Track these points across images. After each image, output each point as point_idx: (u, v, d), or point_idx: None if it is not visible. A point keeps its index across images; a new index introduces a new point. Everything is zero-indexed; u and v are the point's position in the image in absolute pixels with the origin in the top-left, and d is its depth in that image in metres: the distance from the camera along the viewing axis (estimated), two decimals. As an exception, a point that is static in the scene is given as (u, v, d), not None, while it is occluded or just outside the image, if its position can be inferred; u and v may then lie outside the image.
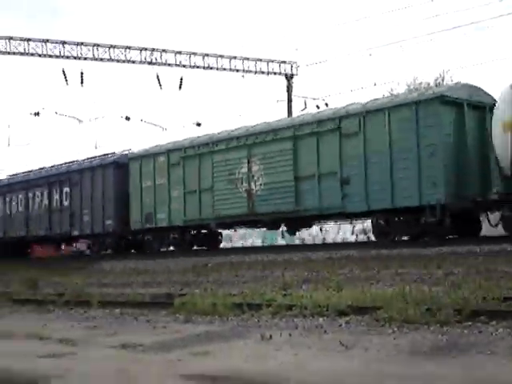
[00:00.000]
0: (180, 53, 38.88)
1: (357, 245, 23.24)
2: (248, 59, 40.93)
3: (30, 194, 33.09)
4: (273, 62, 41.75)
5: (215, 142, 25.80)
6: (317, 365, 6.50)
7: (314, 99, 41.67)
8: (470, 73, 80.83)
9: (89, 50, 36.68)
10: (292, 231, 25.43)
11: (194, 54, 39.39)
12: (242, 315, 10.29)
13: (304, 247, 24.33)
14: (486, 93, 20.94)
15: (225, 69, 40.33)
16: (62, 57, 36.18)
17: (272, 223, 24.71)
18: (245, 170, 24.30)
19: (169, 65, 38.57)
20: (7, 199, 33.96)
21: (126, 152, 30.39)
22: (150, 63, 38.13)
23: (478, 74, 69.46)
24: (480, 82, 28.87)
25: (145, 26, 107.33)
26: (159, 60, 38.32)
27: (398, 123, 20.52)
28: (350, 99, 46.37)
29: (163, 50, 38.44)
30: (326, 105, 40.08)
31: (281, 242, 32.34)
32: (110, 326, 10.52)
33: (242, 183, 24.40)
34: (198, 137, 27.57)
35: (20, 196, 33.65)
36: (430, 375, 5.77)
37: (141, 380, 6.26)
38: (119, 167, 29.57)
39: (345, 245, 24.83)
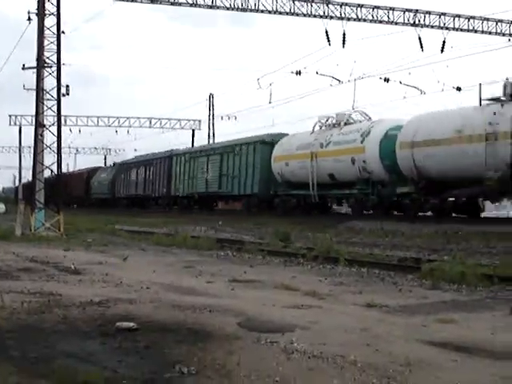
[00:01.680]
0: (444, 14, 37.89)
1: None
2: (515, 23, 39.05)
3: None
4: (543, 25, 39.53)
5: (197, 151, 48.34)
6: None
7: None
8: None
9: (352, 11, 36.74)
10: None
11: (459, 16, 38.21)
12: (491, 286, 10.00)
13: None
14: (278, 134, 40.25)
15: (490, 32, 38.78)
16: (326, 17, 36.55)
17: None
18: (205, 167, 44.48)
19: (432, 27, 37.74)
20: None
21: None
22: (413, 25, 37.50)
23: None
24: None
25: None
26: (422, 22, 37.61)
27: (247, 151, 40.07)
28: None
29: (427, 12, 37.64)
30: None
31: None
32: (356, 284, 10.65)
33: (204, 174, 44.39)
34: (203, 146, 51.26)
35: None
36: None
37: (384, 341, 6.28)
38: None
39: None
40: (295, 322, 7.06)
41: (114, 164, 67.16)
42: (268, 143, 38.58)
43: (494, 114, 24.97)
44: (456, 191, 26.24)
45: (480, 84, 27.19)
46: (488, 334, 6.67)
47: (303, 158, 34.40)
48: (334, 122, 34.64)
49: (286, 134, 39.10)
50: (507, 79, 25.78)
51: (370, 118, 33.99)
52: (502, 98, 25.69)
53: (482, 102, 26.34)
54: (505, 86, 25.88)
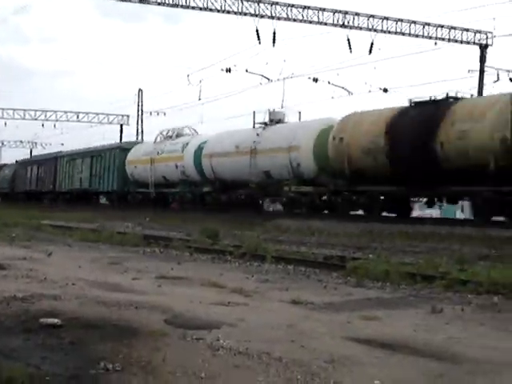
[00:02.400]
0: (373, 17, 38.43)
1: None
2: (442, 27, 39.86)
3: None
4: (467, 30, 40.43)
5: (74, 154, 54.54)
6: (487, 342, 6.35)
7: (508, 71, 40.03)
8: None
9: (283, 10, 36.99)
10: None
11: (387, 18, 38.81)
12: (414, 285, 10.20)
13: (486, 223, 23.50)
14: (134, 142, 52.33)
15: (417, 35, 39.48)
16: (257, 15, 36.69)
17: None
18: (80, 168, 51.76)
19: (360, 28, 38.23)
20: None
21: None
22: (342, 26, 37.94)
23: None
24: None
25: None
26: (351, 23, 38.06)
27: (110, 155, 48.00)
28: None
29: (356, 14, 38.13)
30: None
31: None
32: (282, 281, 10.73)
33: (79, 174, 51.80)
34: (80, 149, 54.94)
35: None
36: None
37: (309, 337, 6.35)
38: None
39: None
40: (222, 318, 7.08)
41: (16, 161, 69.10)
42: (125, 149, 47.64)
43: (257, 135, 34.10)
44: (240, 190, 35.26)
45: (254, 111, 36.07)
46: (411, 332, 6.80)
47: (146, 163, 43.53)
48: (170, 134, 43.91)
49: (140, 142, 51.02)
50: (271, 109, 35.26)
51: (195, 132, 43.39)
52: (266, 122, 34.89)
53: (256, 125, 35.35)
54: (269, 113, 35.20)
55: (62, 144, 70.70)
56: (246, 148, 33.78)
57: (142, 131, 63.71)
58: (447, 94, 25.80)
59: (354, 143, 27.10)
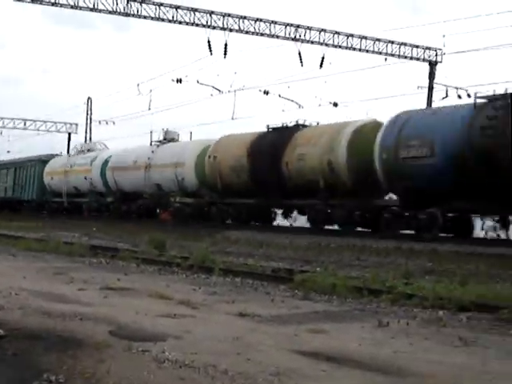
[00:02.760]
0: (324, 31, 38.71)
1: (486, 241, 22.62)
2: (392, 43, 40.32)
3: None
4: (417, 47, 40.97)
5: (1, 165, 58.66)
6: (432, 357, 6.40)
7: (457, 88, 40.65)
8: None
9: (235, 22, 37.06)
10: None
11: (338, 33, 39.13)
12: (360, 299, 10.26)
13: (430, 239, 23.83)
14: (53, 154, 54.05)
15: (368, 51, 39.88)
16: (209, 27, 36.70)
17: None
18: (5, 178, 56.28)
19: (312, 42, 38.48)
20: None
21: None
22: (294, 39, 38.15)
23: None
24: None
25: (291, 1, 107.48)
26: (303, 37, 38.28)
27: (31, 166, 52.27)
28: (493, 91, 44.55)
29: (308, 28, 38.37)
30: (468, 96, 39.02)
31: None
32: (230, 293, 10.70)
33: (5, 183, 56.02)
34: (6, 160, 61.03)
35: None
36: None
37: (256, 350, 6.33)
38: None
39: (473, 240, 24.23)
40: (168, 330, 7.03)
41: None
42: (44, 161, 51.97)
43: (152, 152, 39.26)
44: (138, 201, 39.57)
45: (151, 131, 41.39)
46: (357, 345, 6.83)
47: (60, 175, 48.00)
48: (83, 148, 49.29)
49: (59, 155, 53.98)
50: (164, 129, 40.70)
51: (105, 147, 48.36)
52: (161, 140, 40.36)
53: (152, 143, 40.66)
54: (164, 132, 40.49)
55: (9, 151, 69.85)
56: (142, 163, 39.39)
57: (91, 139, 63.15)
58: (297, 122, 30.59)
59: (224, 162, 32.36)
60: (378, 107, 69.74)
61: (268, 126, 31.77)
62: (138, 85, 47.41)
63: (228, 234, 26.73)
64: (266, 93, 43.17)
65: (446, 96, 40.63)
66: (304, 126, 30.41)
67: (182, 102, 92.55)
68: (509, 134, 20.65)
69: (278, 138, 29.87)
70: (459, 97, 39.60)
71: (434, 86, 41.33)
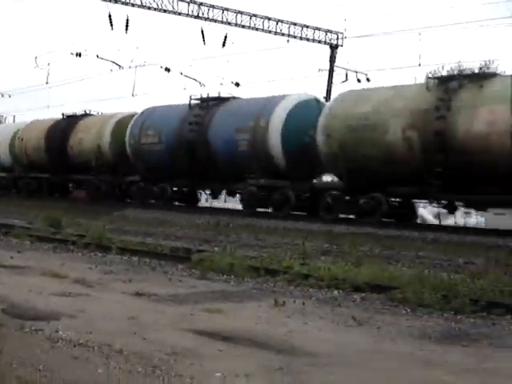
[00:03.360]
0: (227, 10, 38.59)
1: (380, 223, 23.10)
2: (295, 24, 40.52)
3: None
4: (319, 30, 41.29)
5: None
6: (326, 336, 6.52)
7: (356, 72, 41.24)
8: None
9: (137, -3, 36.50)
10: None
11: (241, 13, 39.05)
12: (257, 278, 10.33)
13: (326, 220, 24.23)
14: None
15: (270, 31, 39.94)
16: (110, 1, 36.05)
17: None
18: None
19: (215, 21, 38.30)
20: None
21: None
22: (197, 17, 37.87)
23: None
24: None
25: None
26: (206, 15, 38.06)
27: None
28: (394, 76, 45.63)
29: (211, 6, 38.14)
30: (368, 80, 39.72)
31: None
32: (127, 272, 10.61)
33: None
34: None
35: None
36: (438, 359, 5.76)
37: (152, 329, 6.30)
38: None
39: (368, 222, 24.75)
40: (62, 309, 6.92)
41: None
42: None
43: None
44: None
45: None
46: (253, 324, 6.88)
47: None
48: None
49: None
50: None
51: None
52: None
53: None
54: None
55: None
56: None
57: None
58: (85, 111, 36.15)
59: (28, 143, 37.70)
60: (281, 88, 70.23)
61: (63, 114, 37.37)
62: (36, 58, 46.22)
63: (127, 213, 26.47)
64: (168, 70, 42.79)
65: (346, 79, 41.17)
66: (89, 114, 36.03)
67: (81, 77, 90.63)
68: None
69: (67, 125, 35.69)
70: (358, 80, 40.16)
71: (335, 69, 41.80)
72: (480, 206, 22.35)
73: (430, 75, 21.85)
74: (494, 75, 20.99)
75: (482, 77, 20.97)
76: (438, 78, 21.67)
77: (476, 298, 8.48)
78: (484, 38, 77.44)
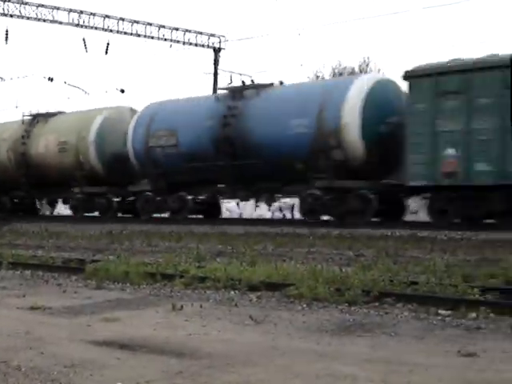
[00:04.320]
0: (108, 17, 38.25)
1: (273, 222, 23.38)
2: (177, 29, 40.57)
3: None
4: (201, 34, 41.47)
5: None
6: (224, 336, 6.58)
7: (241, 74, 41.60)
8: (394, 59, 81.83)
9: (16, 8, 35.77)
10: None
11: (123, 19, 38.80)
12: (154, 284, 10.31)
13: (220, 221, 24.39)
14: None
15: (153, 37, 39.86)
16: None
17: None
18: None
19: (96, 28, 37.90)
20: None
21: None
22: (78, 25, 37.40)
23: (402, 60, 70.42)
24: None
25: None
26: (87, 23, 37.62)
27: None
28: (277, 77, 46.33)
29: (92, 14, 37.73)
30: (252, 81, 40.05)
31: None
32: (20, 287, 10.40)
33: None
34: None
35: None
36: (335, 352, 5.91)
37: (48, 343, 6.23)
38: None
39: (260, 221, 25.01)
40: (-46, 329, 6.74)
41: None
42: None
43: None
44: None
45: None
46: (151, 331, 6.88)
47: None
48: None
49: None
50: None
51: None
52: None
53: None
54: None
55: None
56: None
57: None
58: None
59: None
60: (167, 93, 70.05)
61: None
62: None
63: (16, 227, 25.88)
64: (51, 79, 42.09)
65: (231, 82, 41.45)
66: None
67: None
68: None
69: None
70: (243, 83, 40.49)
71: (219, 72, 42.05)
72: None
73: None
74: None
75: (48, 116, 30.05)
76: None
77: (368, 288, 8.75)
78: (363, 36, 79.43)
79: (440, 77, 19.40)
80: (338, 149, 20.83)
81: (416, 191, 20.52)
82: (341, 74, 41.51)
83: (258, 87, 24.34)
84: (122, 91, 41.84)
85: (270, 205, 29.00)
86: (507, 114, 17.18)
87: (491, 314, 7.46)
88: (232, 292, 9.46)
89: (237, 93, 24.48)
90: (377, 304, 8.27)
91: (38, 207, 33.42)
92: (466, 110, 18.89)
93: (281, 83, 24.80)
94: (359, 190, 20.56)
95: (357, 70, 47.17)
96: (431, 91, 19.41)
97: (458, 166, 18.93)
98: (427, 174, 19.38)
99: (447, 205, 19.24)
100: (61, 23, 37.13)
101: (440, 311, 7.74)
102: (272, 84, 24.52)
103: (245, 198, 25.94)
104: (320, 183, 21.00)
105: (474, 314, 7.48)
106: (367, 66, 47.44)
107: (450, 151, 19.11)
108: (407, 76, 20.18)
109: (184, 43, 41.03)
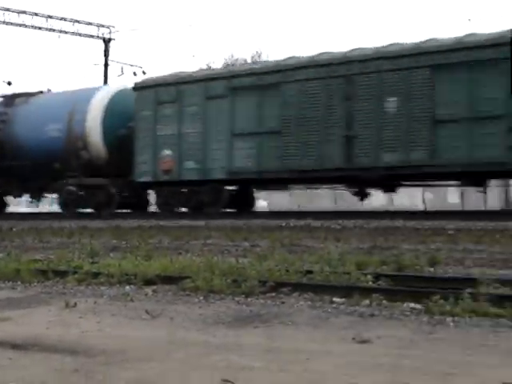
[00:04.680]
0: (-7, 7, 37.17)
1: (167, 215, 23.34)
2: (65, 19, 39.78)
3: None
4: (91, 24, 40.81)
5: None
6: (120, 332, 6.48)
7: (132, 65, 41.21)
8: (287, 50, 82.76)
9: None
10: None
11: (8, 10, 37.79)
12: (46, 282, 10.07)
13: (114, 215, 24.12)
14: None
15: (40, 28, 38.98)
16: None
17: None
18: None
19: (-20, 19, 36.79)
20: None
21: None
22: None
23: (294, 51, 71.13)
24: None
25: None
26: (-30, 14, 36.46)
27: None
28: (167, 69, 46.34)
29: (-25, 4, 36.58)
30: (144, 72, 39.76)
31: None
32: None
33: None
34: None
35: None
36: (233, 343, 5.90)
37: None
38: None
39: (154, 214, 24.91)
40: None
41: None
42: None
43: None
44: None
45: None
46: (44, 329, 6.71)
47: None
48: None
49: None
50: None
51: None
52: None
53: None
54: None
55: None
56: None
57: None
58: None
59: None
60: (57, 84, 68.65)
61: None
62: None
63: None
64: None
65: (122, 73, 41.02)
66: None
67: None
68: None
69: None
70: (134, 74, 40.16)
71: (110, 63, 41.48)
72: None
73: None
74: None
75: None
76: None
77: (264, 279, 8.78)
78: (255, 29, 79.91)
79: (159, 88, 23.92)
80: (84, 150, 25.13)
81: (145, 187, 25.16)
82: (233, 66, 41.68)
83: (28, 95, 27.78)
84: (9, 83, 40.73)
85: (39, 200, 30.83)
86: (208, 121, 22.59)
87: (384, 301, 7.60)
88: (127, 287, 9.33)
89: (9, 100, 27.86)
90: (273, 294, 8.30)
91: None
92: (178, 117, 23.23)
93: (48, 91, 28.64)
94: (105, 186, 24.76)
95: (249, 61, 47.41)
96: (153, 101, 23.81)
97: (174, 165, 23.36)
98: (151, 172, 23.97)
99: (169, 197, 23.66)
100: None
101: (334, 299, 7.84)
102: (41, 92, 28.34)
103: (18, 195, 29.33)
104: (72, 180, 25.25)
105: (367, 301, 7.61)
106: (259, 57, 47.79)
107: (167, 152, 23.61)
108: (135, 88, 24.82)
109: (73, 33, 40.28)
